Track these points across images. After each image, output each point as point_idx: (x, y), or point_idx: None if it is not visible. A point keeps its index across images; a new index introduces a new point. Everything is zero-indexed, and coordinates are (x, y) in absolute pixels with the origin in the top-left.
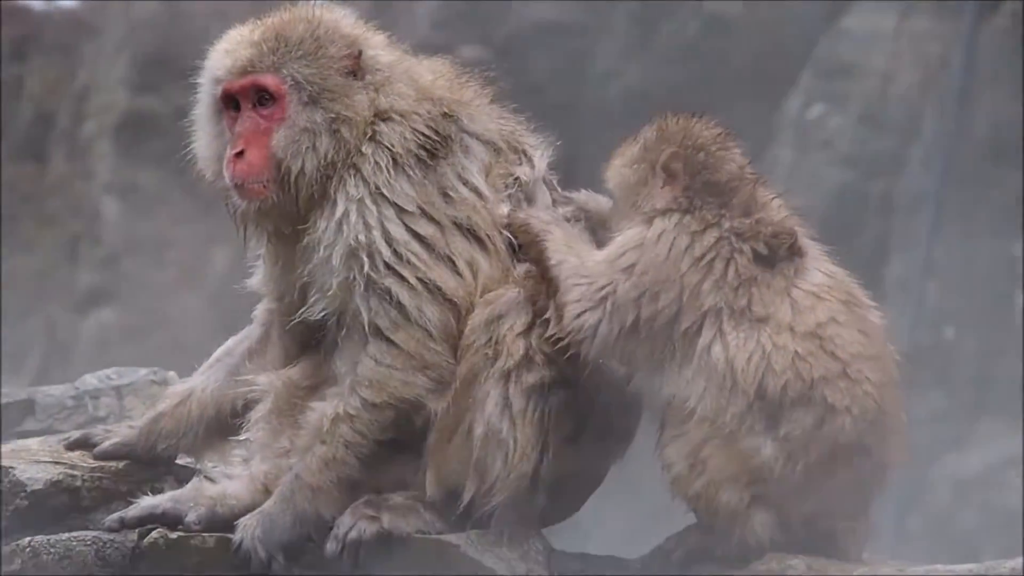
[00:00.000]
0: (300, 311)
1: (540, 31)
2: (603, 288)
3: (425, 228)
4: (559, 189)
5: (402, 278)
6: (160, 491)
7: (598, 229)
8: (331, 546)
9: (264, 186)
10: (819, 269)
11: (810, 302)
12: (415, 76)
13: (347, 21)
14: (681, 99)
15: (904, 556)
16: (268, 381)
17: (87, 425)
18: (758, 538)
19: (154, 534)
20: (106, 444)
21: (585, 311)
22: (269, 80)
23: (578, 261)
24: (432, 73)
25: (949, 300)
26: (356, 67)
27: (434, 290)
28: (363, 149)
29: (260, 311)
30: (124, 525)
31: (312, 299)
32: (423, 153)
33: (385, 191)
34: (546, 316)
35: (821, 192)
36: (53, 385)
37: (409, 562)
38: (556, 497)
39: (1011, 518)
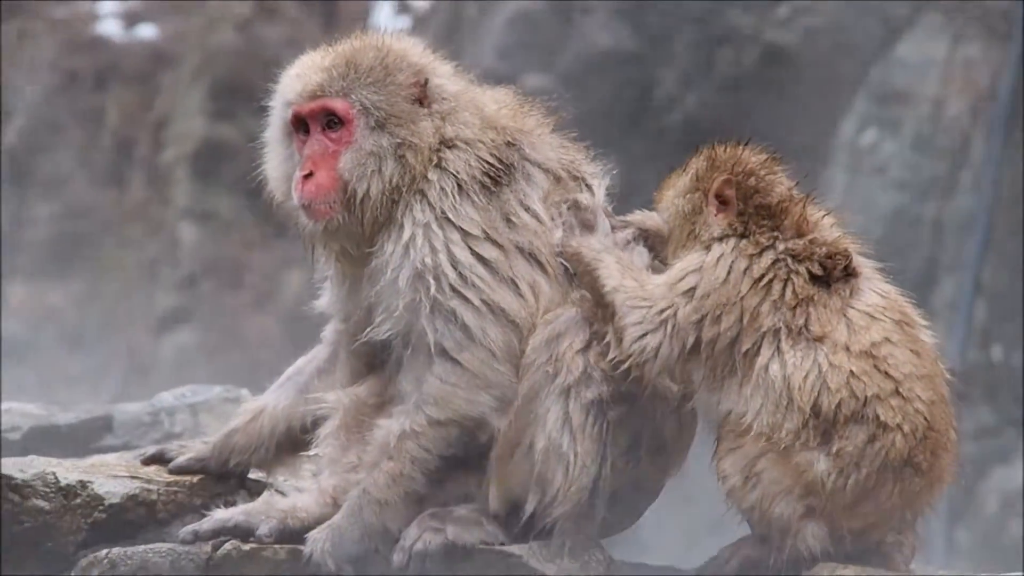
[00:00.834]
0: (367, 331)
1: (601, 59)
2: (664, 311)
3: (489, 252)
4: (615, 216)
5: (467, 300)
6: (233, 504)
7: (657, 246)
8: (398, 557)
9: (331, 207)
10: (873, 289)
11: (865, 322)
12: (480, 105)
13: (415, 50)
14: (739, 125)
15: (953, 567)
16: (336, 399)
17: (163, 441)
18: (810, 548)
19: (227, 546)
20: (181, 459)
21: (646, 334)
22: (338, 104)
23: (635, 285)
24: (496, 103)
25: (996, 319)
26: (423, 95)
27: (497, 312)
28: (429, 175)
29: (328, 331)
30: (198, 538)
31: (378, 319)
32: (487, 180)
33: (451, 216)
34: (605, 338)
35: (874, 215)
36: (131, 403)
37: (473, 573)
38: (615, 509)
39: None
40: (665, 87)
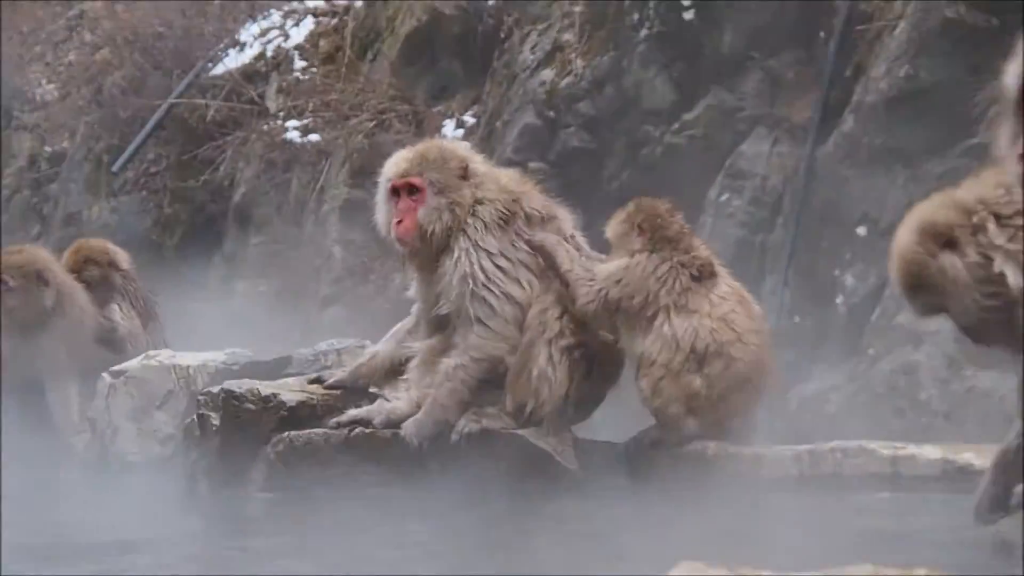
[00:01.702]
0: (435, 309)
1: (572, 152)
2: (600, 290)
3: (504, 263)
4: (586, 247)
5: (492, 291)
6: (360, 407)
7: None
8: (454, 436)
9: (413, 240)
10: (726, 283)
11: (720, 301)
12: (497, 178)
13: (461, 147)
14: (653, 190)
15: (772, 441)
16: (419, 347)
17: (321, 371)
18: (689, 432)
19: (357, 430)
20: (331, 380)
21: (589, 302)
22: (416, 180)
23: (583, 271)
24: (508, 177)
25: (797, 299)
26: (465, 174)
27: (510, 297)
28: (468, 220)
29: (414, 309)
30: (340, 426)
31: (441, 302)
32: (501, 222)
33: (481, 243)
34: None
35: (727, 242)
36: (303, 348)
37: (497, 445)
38: (578, 409)
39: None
40: (610, 169)
